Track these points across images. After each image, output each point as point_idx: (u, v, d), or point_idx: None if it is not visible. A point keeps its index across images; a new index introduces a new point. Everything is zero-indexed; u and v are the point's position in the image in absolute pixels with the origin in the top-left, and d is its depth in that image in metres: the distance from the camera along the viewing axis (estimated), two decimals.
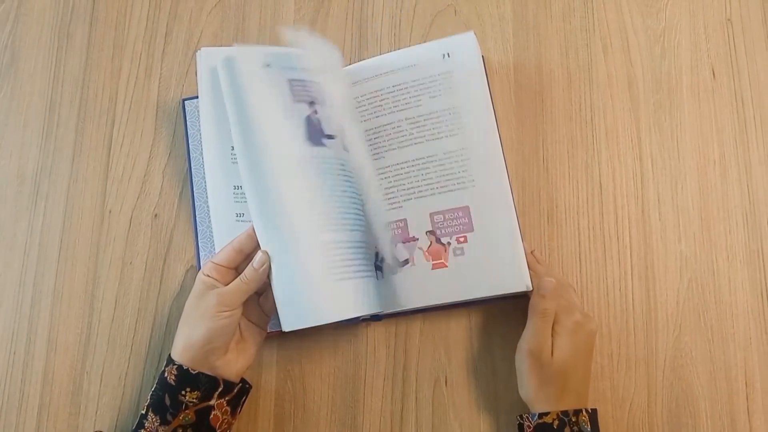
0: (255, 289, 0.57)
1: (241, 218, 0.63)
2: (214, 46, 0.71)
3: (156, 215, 0.68)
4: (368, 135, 0.64)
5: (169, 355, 0.57)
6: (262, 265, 0.57)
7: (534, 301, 0.57)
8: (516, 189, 0.65)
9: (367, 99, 0.65)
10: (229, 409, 0.57)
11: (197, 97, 0.64)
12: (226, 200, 0.63)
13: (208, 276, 0.57)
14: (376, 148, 0.64)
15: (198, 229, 0.66)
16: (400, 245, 0.62)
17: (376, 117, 0.64)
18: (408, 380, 0.63)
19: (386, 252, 0.62)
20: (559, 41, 0.69)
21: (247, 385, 0.59)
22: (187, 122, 0.68)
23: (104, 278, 0.67)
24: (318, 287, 0.58)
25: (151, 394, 0.56)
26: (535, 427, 0.54)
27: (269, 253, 0.57)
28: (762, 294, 0.62)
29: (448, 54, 0.64)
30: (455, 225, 0.61)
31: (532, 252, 0.62)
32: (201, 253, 0.65)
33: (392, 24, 0.71)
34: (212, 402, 0.55)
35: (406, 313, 0.63)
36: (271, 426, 0.63)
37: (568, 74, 0.68)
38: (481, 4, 0.70)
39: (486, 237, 0.61)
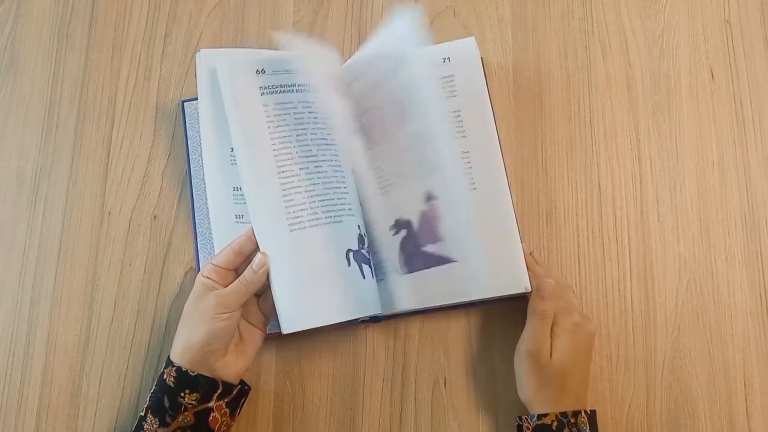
0: (254, 290, 0.57)
1: (241, 220, 0.63)
2: (214, 47, 0.71)
3: (155, 217, 0.68)
4: (365, 130, 0.64)
5: (168, 356, 0.57)
6: (261, 267, 0.57)
7: (533, 302, 0.57)
8: (515, 190, 0.65)
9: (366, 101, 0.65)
10: (228, 410, 0.57)
11: (197, 99, 0.65)
12: (226, 202, 0.63)
13: (208, 278, 0.57)
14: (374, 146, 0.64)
15: (197, 230, 0.66)
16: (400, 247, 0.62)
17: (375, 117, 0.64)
18: (407, 381, 0.63)
19: (386, 254, 0.62)
20: (557, 43, 0.69)
21: (246, 387, 0.59)
22: (187, 124, 0.68)
23: (103, 280, 0.67)
24: (317, 289, 0.58)
25: (150, 396, 0.56)
26: (533, 429, 0.54)
27: (268, 255, 0.57)
28: (761, 295, 0.62)
29: (448, 58, 0.64)
30: None
31: (531, 253, 0.63)
32: (200, 255, 0.65)
33: None
34: (211, 404, 0.55)
35: (405, 314, 0.63)
36: (270, 427, 0.63)
37: (567, 76, 0.68)
38: (480, 6, 0.70)
39: (485, 238, 0.60)
